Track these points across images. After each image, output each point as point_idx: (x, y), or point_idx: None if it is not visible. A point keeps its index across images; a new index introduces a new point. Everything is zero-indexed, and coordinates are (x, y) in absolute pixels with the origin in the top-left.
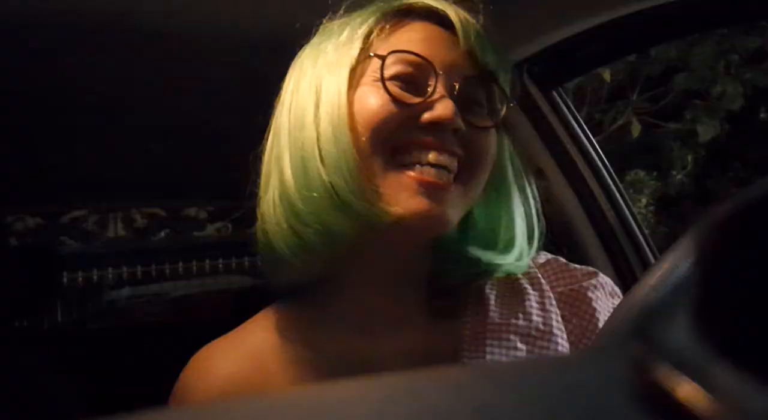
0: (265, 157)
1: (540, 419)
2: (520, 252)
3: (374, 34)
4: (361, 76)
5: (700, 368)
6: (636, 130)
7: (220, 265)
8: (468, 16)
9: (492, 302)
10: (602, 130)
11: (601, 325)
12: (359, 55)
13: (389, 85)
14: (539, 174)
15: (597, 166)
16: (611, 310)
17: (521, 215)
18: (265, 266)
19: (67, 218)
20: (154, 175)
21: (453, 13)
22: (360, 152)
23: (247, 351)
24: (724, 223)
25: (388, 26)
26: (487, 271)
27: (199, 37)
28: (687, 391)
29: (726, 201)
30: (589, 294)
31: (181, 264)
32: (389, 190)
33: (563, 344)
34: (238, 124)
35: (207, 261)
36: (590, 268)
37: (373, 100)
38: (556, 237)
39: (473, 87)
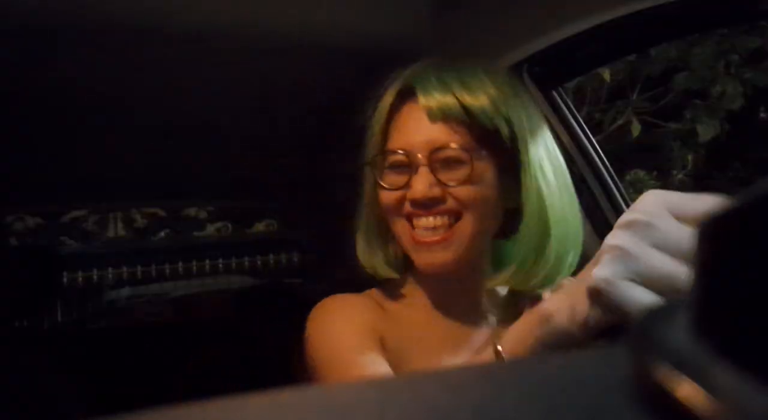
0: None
1: (540, 419)
2: (558, 268)
3: (387, 126)
4: (380, 166)
5: (700, 368)
6: (636, 129)
7: (220, 265)
8: (439, 93)
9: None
10: (602, 130)
11: None
12: (378, 149)
13: (387, 175)
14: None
15: (597, 166)
16: None
17: (558, 235)
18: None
19: (67, 218)
20: (154, 175)
21: (422, 92)
22: (389, 221)
23: (366, 303)
24: (724, 223)
25: (392, 116)
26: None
27: (200, 37)
28: (687, 391)
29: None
30: None
31: (181, 264)
32: (407, 247)
33: None
34: (238, 124)
35: (207, 261)
36: None
37: (379, 188)
38: None
39: (444, 152)
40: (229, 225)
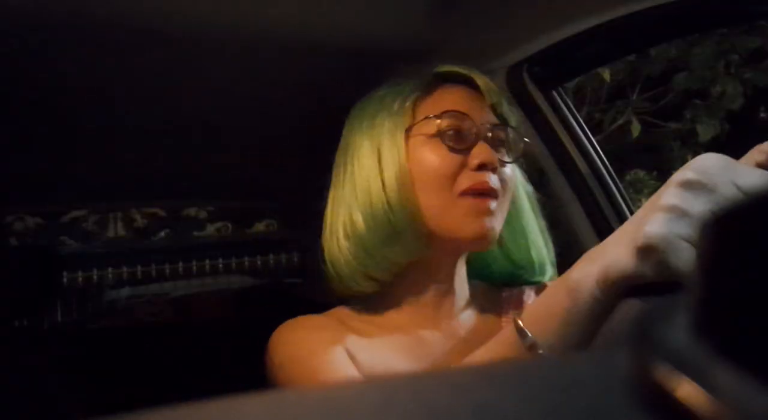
0: (329, 209)
1: (540, 419)
2: (540, 262)
3: (419, 103)
4: (417, 135)
5: (700, 368)
6: (636, 129)
7: (220, 265)
8: (486, 79)
9: (529, 301)
10: (602, 130)
11: None
12: (412, 120)
13: (442, 137)
14: (539, 174)
15: (597, 166)
16: None
17: (536, 231)
18: (332, 288)
19: (67, 218)
20: (154, 175)
21: (477, 77)
22: (424, 195)
23: (329, 322)
24: (724, 223)
25: (429, 94)
26: (515, 275)
27: (200, 37)
28: (687, 391)
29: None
30: None
31: (181, 264)
32: (458, 217)
33: None
34: (238, 124)
35: (207, 261)
36: None
37: (433, 152)
38: (556, 237)
39: (498, 132)
40: (229, 225)
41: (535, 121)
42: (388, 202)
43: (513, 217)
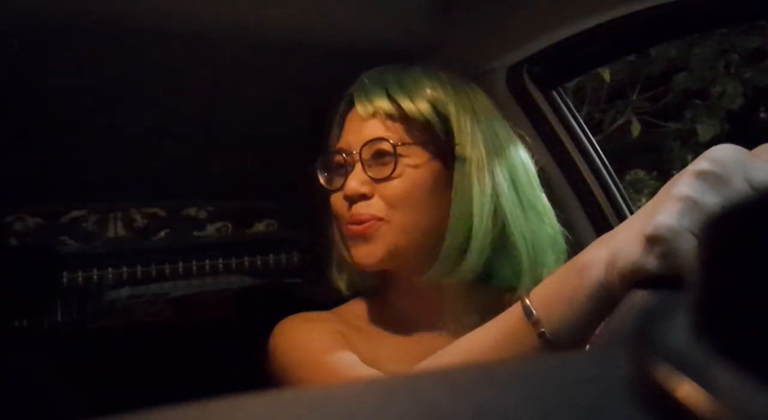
0: None
1: (540, 419)
2: (531, 267)
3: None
4: (326, 169)
5: (700, 368)
6: (636, 129)
7: (220, 265)
8: (372, 89)
9: None
10: (602, 129)
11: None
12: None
13: (333, 177)
14: (539, 174)
15: (597, 166)
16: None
17: (526, 237)
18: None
19: (67, 218)
20: (154, 175)
21: (357, 98)
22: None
23: (331, 317)
24: (724, 223)
25: (343, 119)
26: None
27: (200, 37)
28: (687, 391)
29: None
30: None
31: (181, 264)
32: (347, 248)
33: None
34: (238, 124)
35: (207, 261)
36: None
37: (330, 194)
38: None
39: (372, 146)
40: (229, 225)
41: (535, 121)
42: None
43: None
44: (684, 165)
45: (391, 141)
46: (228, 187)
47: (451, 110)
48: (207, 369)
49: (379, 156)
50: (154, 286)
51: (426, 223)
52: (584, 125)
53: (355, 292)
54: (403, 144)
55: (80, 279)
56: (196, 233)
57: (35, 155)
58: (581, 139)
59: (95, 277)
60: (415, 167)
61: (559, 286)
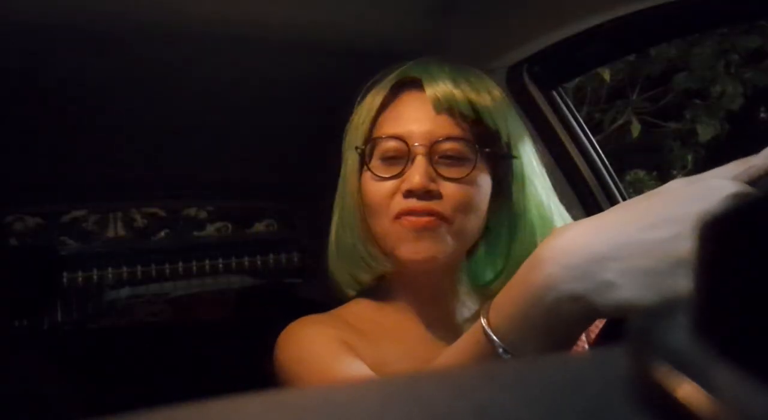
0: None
1: (540, 419)
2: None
3: (379, 116)
4: (369, 154)
5: (700, 368)
6: (636, 129)
7: (220, 265)
8: (445, 79)
9: None
10: (602, 130)
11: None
12: (366, 137)
13: (375, 166)
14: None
15: (597, 166)
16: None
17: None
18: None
19: (67, 218)
20: (154, 175)
21: (429, 82)
22: (369, 220)
23: (334, 321)
24: (724, 223)
25: (388, 105)
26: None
27: (200, 37)
28: (687, 391)
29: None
30: None
31: (181, 264)
32: (395, 241)
33: (582, 338)
34: (238, 125)
35: (207, 261)
36: None
37: (369, 180)
38: None
39: (446, 144)
40: (229, 225)
41: (535, 121)
42: (350, 223)
43: (507, 227)
44: (684, 165)
45: (468, 144)
46: (228, 187)
47: (511, 120)
48: (207, 369)
49: (452, 156)
50: (154, 286)
51: (477, 230)
52: (584, 125)
53: (357, 292)
54: (480, 147)
55: (80, 279)
56: (196, 233)
57: (35, 155)
58: (581, 139)
59: (95, 277)
60: (480, 172)
61: (517, 307)
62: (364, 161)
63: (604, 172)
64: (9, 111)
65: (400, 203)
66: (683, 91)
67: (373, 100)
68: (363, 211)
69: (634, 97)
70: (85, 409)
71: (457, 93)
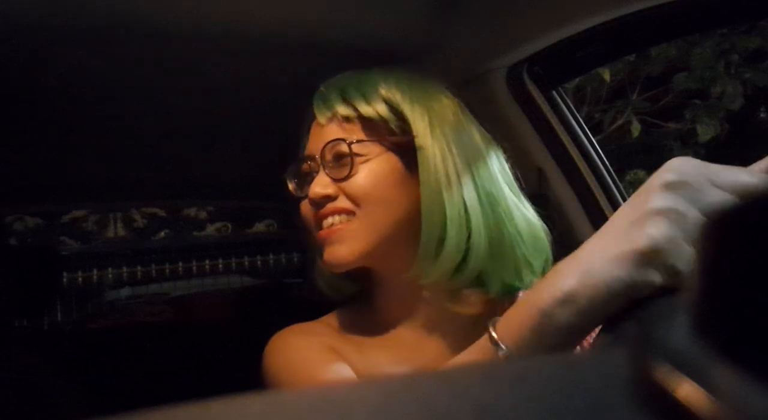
0: None
1: (540, 419)
2: (516, 266)
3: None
4: (294, 178)
5: (700, 368)
6: (636, 129)
7: (220, 265)
8: (327, 93)
9: None
10: (602, 130)
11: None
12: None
13: (301, 185)
14: (539, 174)
15: (597, 166)
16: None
17: (482, 235)
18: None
19: (67, 218)
20: (154, 175)
21: (315, 104)
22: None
23: (322, 329)
24: (724, 223)
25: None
26: (489, 283)
27: (200, 37)
28: (687, 391)
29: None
30: None
31: (181, 264)
32: (321, 253)
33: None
34: (238, 124)
35: (207, 261)
36: None
37: (299, 200)
38: (556, 237)
39: (330, 149)
40: (229, 225)
41: (535, 121)
42: None
43: (484, 226)
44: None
45: (347, 140)
46: (228, 187)
47: (406, 107)
48: (207, 369)
49: (339, 157)
50: (154, 286)
51: (395, 217)
52: (584, 125)
53: (345, 297)
54: (359, 141)
55: (80, 279)
56: (196, 233)
57: (35, 155)
58: (581, 139)
59: (95, 277)
60: (374, 163)
61: (524, 320)
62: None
63: (604, 172)
64: (9, 111)
65: (315, 216)
66: (683, 91)
67: (303, 132)
68: None
69: (634, 97)
70: (85, 409)
71: (335, 99)
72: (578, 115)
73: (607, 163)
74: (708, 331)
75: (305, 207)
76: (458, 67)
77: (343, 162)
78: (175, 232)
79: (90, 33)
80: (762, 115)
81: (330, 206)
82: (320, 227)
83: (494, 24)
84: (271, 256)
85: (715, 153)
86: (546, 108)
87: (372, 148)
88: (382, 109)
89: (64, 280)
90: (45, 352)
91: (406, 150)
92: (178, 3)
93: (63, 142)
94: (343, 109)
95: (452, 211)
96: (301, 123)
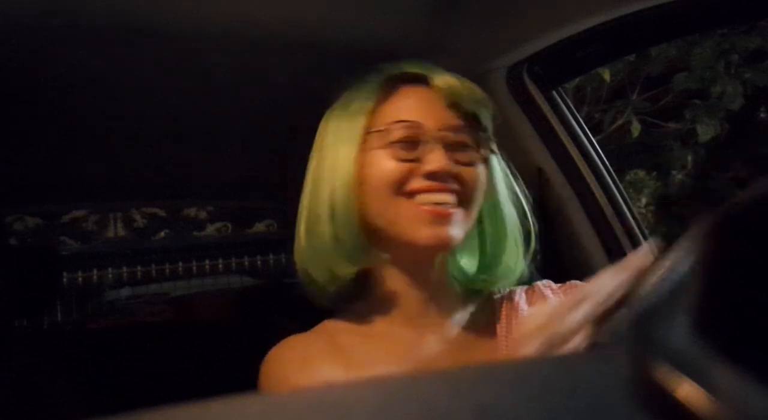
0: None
1: (540, 419)
2: (514, 260)
3: (378, 107)
4: (371, 143)
5: (700, 368)
6: (636, 130)
7: (220, 265)
8: (448, 76)
9: (522, 302)
10: (602, 130)
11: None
12: (366, 127)
13: (393, 148)
14: (539, 174)
15: (597, 166)
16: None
17: (512, 233)
18: (308, 293)
19: (67, 218)
20: (154, 175)
21: (436, 77)
22: (374, 202)
23: (319, 342)
24: (724, 223)
25: (387, 98)
26: (489, 279)
27: (200, 38)
28: (687, 391)
29: (726, 201)
30: None
31: (181, 264)
32: (407, 223)
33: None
34: (238, 124)
35: (207, 261)
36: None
37: (382, 162)
38: (556, 237)
39: (458, 132)
40: (229, 225)
41: (535, 121)
42: (332, 208)
43: (489, 219)
44: (684, 165)
45: (476, 135)
46: (228, 187)
47: (491, 119)
48: (207, 369)
49: (462, 144)
50: (154, 286)
51: (474, 220)
52: (584, 125)
53: (336, 301)
54: (483, 136)
55: (80, 279)
56: (196, 233)
57: (35, 155)
58: (581, 139)
59: (95, 277)
60: (484, 162)
61: None
62: (388, 144)
63: (604, 172)
64: (9, 111)
65: (421, 183)
66: (683, 91)
67: (367, 92)
68: (359, 197)
69: (634, 97)
70: (85, 409)
71: (463, 89)
72: (578, 115)
73: (607, 163)
74: (708, 331)
75: (397, 170)
76: (458, 67)
77: (464, 148)
78: (175, 232)
79: (90, 33)
80: (762, 115)
81: (448, 185)
82: (422, 202)
83: (494, 24)
84: (271, 256)
85: (715, 153)
86: (546, 108)
87: (486, 146)
88: (486, 116)
89: (64, 280)
90: (45, 352)
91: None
92: (178, 3)
93: (63, 142)
94: (467, 98)
95: (510, 222)
96: (300, 123)
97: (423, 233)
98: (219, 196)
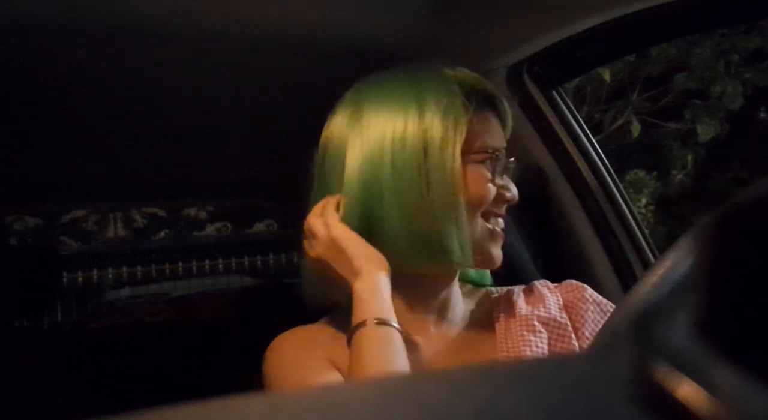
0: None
1: (540, 419)
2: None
3: (469, 120)
4: (466, 154)
5: (700, 368)
6: (636, 130)
7: (220, 265)
8: (506, 107)
9: (520, 301)
10: (602, 130)
11: (588, 330)
12: (467, 145)
13: (487, 169)
14: (539, 174)
15: (597, 166)
16: (596, 317)
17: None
18: (308, 293)
19: (67, 218)
20: (154, 175)
21: (504, 111)
22: (468, 217)
23: (320, 335)
24: (724, 223)
25: (474, 114)
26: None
27: (200, 38)
28: (687, 391)
29: (726, 201)
30: (582, 304)
31: (181, 264)
32: (484, 242)
33: (573, 337)
34: (237, 124)
35: (207, 261)
36: (577, 283)
37: (481, 179)
38: (556, 237)
39: (511, 162)
40: (229, 225)
41: (535, 121)
42: (433, 209)
43: None
44: (684, 165)
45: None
46: (228, 187)
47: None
48: (207, 369)
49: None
50: (154, 286)
51: None
52: (584, 125)
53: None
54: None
55: (80, 279)
56: (196, 233)
57: (35, 155)
58: (581, 139)
59: (95, 277)
60: None
61: None
62: (489, 164)
63: (604, 172)
64: (9, 111)
65: (500, 208)
66: (683, 91)
67: (461, 108)
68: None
69: (634, 97)
70: (85, 409)
71: (509, 115)
72: (578, 115)
73: (607, 163)
74: (708, 331)
75: (492, 191)
76: (458, 67)
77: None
78: (175, 232)
79: (90, 33)
80: (762, 115)
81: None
82: (492, 225)
83: (494, 24)
84: (271, 256)
85: (715, 153)
86: (546, 108)
87: None
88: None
89: (64, 280)
90: (45, 352)
91: None
92: (178, 3)
93: (63, 142)
94: (508, 126)
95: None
96: (300, 123)
97: (495, 253)
98: (219, 196)
